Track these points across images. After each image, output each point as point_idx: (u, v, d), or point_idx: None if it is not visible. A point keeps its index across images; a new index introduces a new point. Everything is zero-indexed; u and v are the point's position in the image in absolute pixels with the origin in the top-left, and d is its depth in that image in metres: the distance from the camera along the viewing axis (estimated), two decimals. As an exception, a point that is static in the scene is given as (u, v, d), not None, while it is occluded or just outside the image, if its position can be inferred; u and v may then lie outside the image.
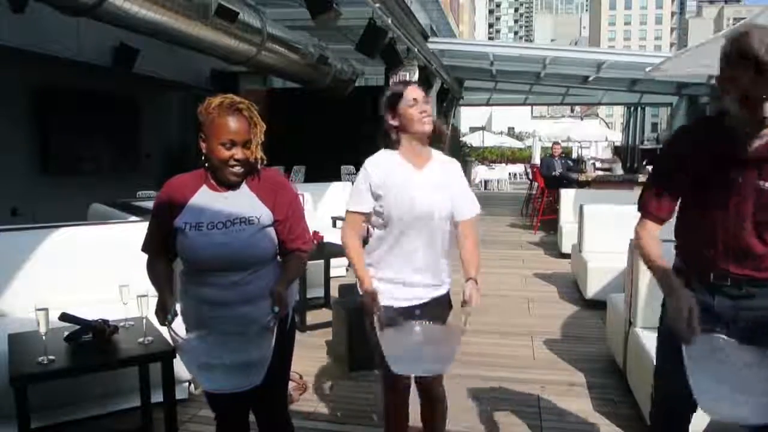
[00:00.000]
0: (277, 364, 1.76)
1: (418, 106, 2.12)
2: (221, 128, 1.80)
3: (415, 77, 9.30)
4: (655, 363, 2.03)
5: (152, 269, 1.94)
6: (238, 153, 1.82)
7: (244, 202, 1.90)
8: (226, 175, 1.86)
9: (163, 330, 2.29)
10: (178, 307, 1.85)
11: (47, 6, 4.45)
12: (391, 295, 2.15)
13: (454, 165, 2.29)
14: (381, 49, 7.95)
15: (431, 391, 2.31)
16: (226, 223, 1.86)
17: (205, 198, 1.89)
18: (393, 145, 2.19)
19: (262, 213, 1.90)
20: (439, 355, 1.92)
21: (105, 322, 2.42)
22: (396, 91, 2.17)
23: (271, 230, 1.92)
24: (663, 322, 1.87)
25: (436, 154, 2.25)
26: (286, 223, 1.94)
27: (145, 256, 1.98)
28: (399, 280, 2.17)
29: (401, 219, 2.13)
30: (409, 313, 2.05)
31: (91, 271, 3.30)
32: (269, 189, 1.94)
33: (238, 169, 1.85)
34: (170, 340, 1.71)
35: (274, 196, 1.93)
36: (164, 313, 1.76)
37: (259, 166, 1.93)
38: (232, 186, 1.90)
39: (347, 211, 2.21)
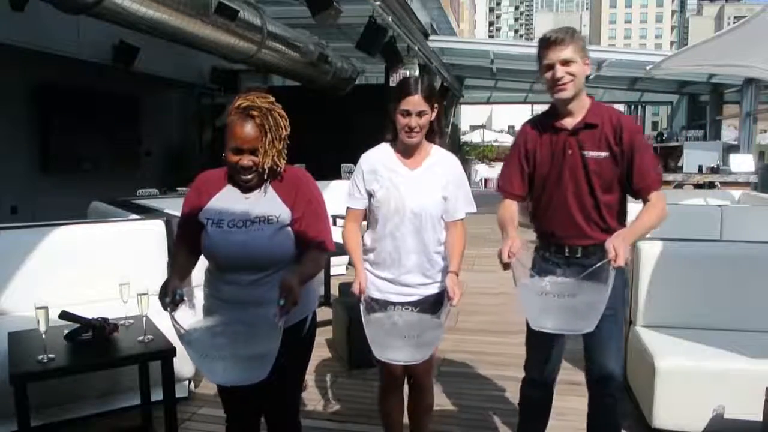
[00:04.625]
0: (292, 369, 1.73)
1: (406, 119, 2.08)
2: (232, 133, 1.78)
3: (414, 73, 9.28)
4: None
5: (173, 255, 1.96)
6: (244, 160, 1.80)
7: (265, 202, 1.88)
8: (238, 180, 1.86)
9: (164, 327, 2.30)
10: (186, 295, 1.78)
11: (47, 4, 4.45)
12: (386, 291, 2.18)
13: (453, 161, 2.25)
14: (381, 47, 7.95)
15: (418, 381, 2.34)
16: (246, 222, 1.85)
17: (229, 196, 1.89)
18: (393, 138, 2.19)
19: (282, 212, 1.87)
20: (417, 342, 1.94)
21: (105, 320, 2.42)
22: (400, 87, 2.12)
23: (291, 230, 1.89)
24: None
25: (435, 151, 2.22)
26: (302, 221, 1.89)
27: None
28: (391, 279, 2.19)
29: (390, 218, 2.15)
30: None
31: (91, 269, 3.29)
32: (290, 187, 1.91)
33: (248, 175, 1.82)
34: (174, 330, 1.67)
35: (294, 194, 1.90)
36: (164, 296, 1.72)
37: (279, 170, 1.88)
38: (252, 187, 1.89)
39: (346, 207, 2.25)
